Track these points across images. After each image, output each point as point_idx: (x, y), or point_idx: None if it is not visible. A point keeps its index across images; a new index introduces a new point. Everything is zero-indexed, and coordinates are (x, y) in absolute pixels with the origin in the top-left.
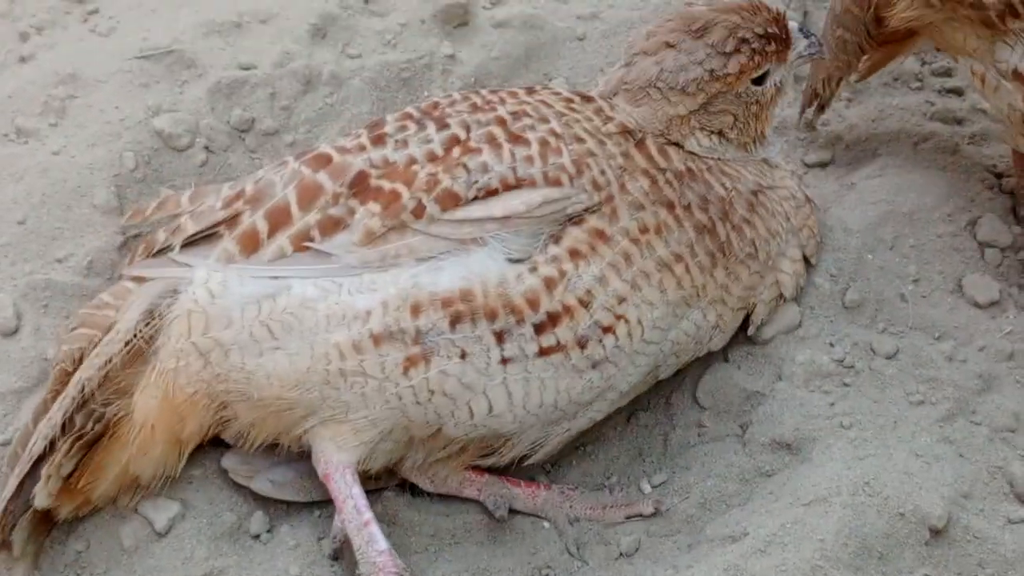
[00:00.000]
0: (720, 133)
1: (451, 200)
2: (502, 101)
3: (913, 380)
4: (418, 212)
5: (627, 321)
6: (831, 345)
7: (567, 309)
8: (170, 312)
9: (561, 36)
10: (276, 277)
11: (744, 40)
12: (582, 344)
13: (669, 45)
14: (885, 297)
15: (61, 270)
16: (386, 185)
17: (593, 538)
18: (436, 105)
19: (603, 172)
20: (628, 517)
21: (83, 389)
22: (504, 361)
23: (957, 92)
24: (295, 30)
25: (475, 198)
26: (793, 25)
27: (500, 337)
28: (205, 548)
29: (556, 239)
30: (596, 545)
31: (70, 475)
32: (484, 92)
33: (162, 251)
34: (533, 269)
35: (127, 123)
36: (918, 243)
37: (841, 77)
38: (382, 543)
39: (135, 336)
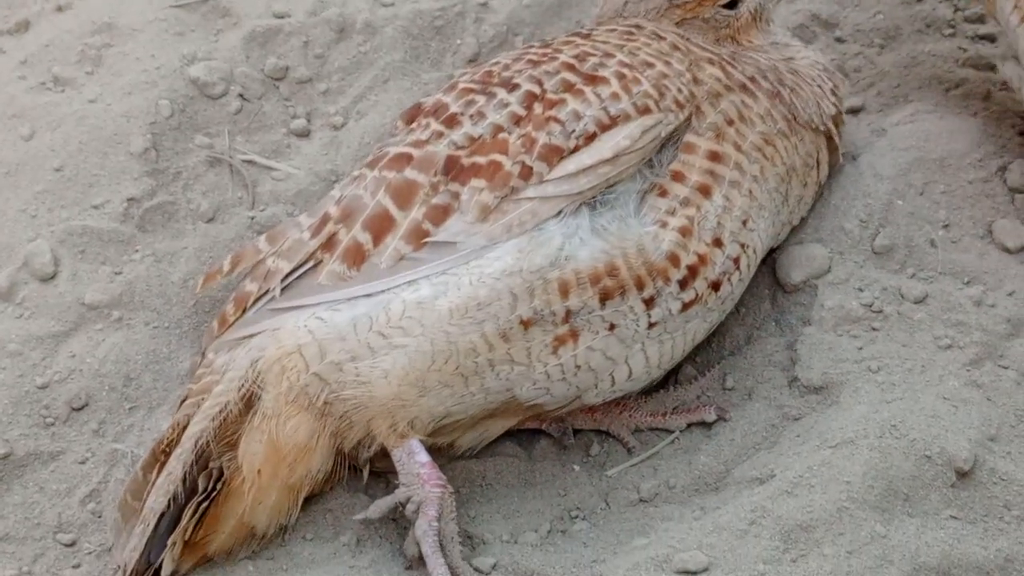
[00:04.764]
0: None
1: (555, 153)
2: (558, 50)
3: (941, 324)
4: (525, 175)
5: (747, 247)
6: (860, 290)
7: (701, 258)
8: (270, 354)
9: None
10: (407, 283)
11: None
12: (716, 286)
13: None
14: (915, 242)
15: (98, 216)
16: (480, 160)
17: (617, 483)
18: (490, 73)
19: (680, 90)
20: (690, 424)
21: (197, 442)
22: (651, 325)
23: (990, 39)
24: None
25: (575, 148)
26: None
27: (649, 303)
28: None
29: (678, 177)
30: (620, 490)
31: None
32: (535, 47)
33: (257, 301)
34: (664, 224)
35: (162, 71)
36: (948, 189)
37: None
38: (424, 455)
39: (248, 381)
